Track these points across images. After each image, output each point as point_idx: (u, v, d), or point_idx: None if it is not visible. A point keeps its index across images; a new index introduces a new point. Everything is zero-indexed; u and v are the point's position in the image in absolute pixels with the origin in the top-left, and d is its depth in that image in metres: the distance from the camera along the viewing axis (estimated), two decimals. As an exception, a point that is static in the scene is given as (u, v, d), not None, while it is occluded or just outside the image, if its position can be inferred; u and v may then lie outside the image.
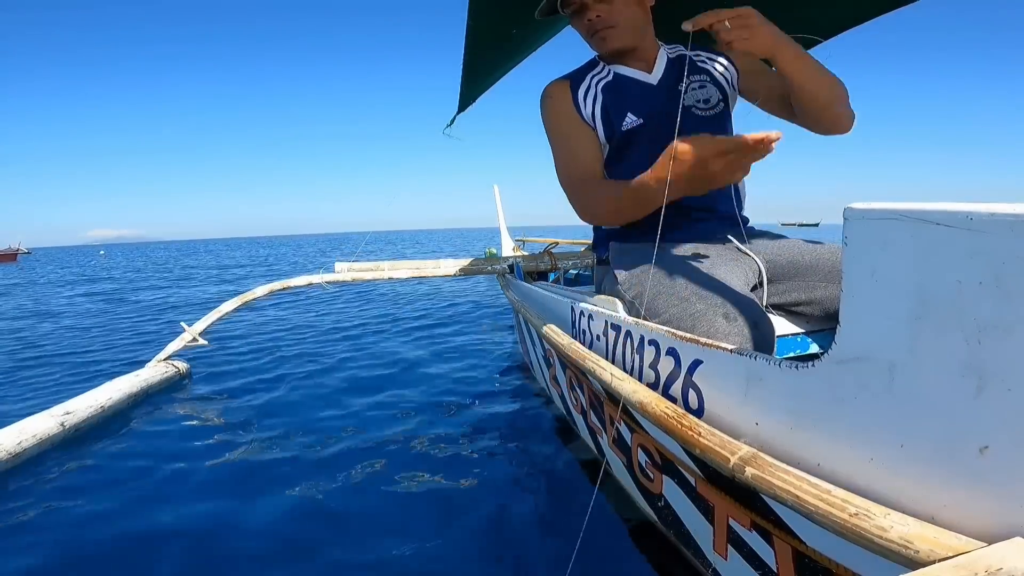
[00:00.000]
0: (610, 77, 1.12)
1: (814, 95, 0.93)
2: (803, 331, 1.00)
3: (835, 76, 0.94)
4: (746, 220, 1.19)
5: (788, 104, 1.03)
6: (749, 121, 1.17)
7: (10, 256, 22.23)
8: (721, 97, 1.11)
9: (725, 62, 1.13)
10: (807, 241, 1.08)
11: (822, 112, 0.97)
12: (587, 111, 1.11)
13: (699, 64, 1.12)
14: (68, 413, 1.70)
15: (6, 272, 13.26)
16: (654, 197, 0.81)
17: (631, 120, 1.08)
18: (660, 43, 1.16)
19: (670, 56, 1.14)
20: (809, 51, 1.61)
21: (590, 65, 1.17)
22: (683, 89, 1.08)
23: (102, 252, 36.05)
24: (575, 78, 1.15)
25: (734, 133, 1.16)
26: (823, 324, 1.02)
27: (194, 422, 1.81)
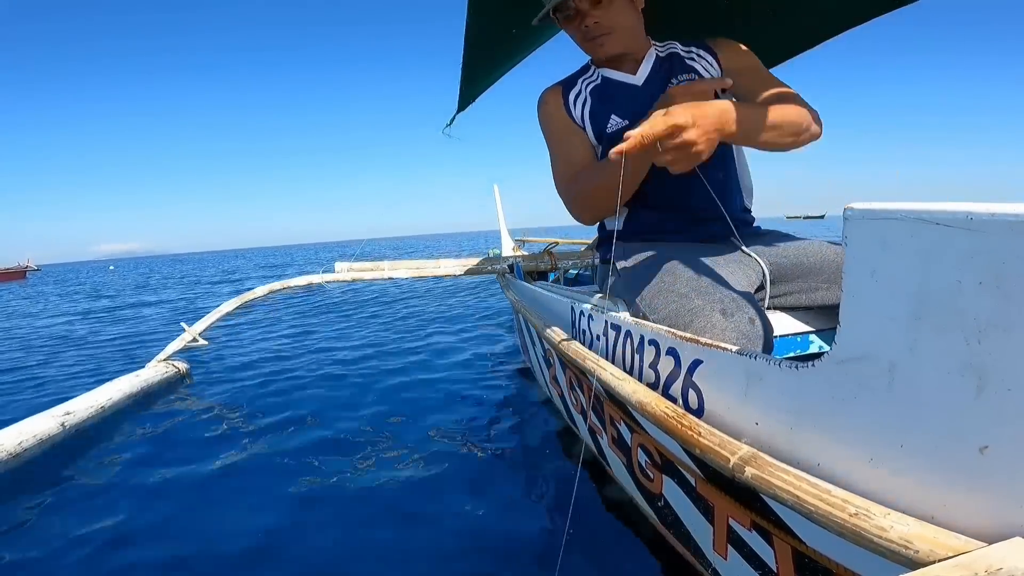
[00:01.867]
0: (598, 81, 1.13)
1: (776, 147, 0.94)
2: (804, 330, 1.00)
3: (796, 109, 0.92)
4: (751, 221, 1.19)
5: None
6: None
7: (19, 274, 21.94)
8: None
9: (711, 59, 1.12)
10: (814, 241, 1.08)
11: (785, 150, 0.98)
12: (577, 114, 1.11)
13: (687, 62, 1.11)
14: (68, 413, 1.70)
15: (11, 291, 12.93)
16: (615, 171, 0.84)
17: (615, 122, 1.08)
18: (652, 42, 1.15)
19: (660, 55, 1.13)
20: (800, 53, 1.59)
21: (583, 70, 1.17)
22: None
23: (112, 267, 36.04)
24: (567, 83, 1.16)
25: None
26: (822, 323, 1.02)
27: (193, 422, 1.81)
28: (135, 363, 2.60)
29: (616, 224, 1.17)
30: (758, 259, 1.02)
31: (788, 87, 1.02)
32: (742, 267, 1.00)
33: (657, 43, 1.15)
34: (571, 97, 1.13)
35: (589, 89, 1.12)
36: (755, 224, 1.20)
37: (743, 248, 1.05)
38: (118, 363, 2.84)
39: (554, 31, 1.64)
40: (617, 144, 1.06)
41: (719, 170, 1.12)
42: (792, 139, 0.93)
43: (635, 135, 0.73)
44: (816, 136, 0.98)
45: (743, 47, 1.13)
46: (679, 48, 1.13)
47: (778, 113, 0.89)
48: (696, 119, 0.74)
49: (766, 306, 1.01)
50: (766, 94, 1.00)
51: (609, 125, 1.08)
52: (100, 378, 2.36)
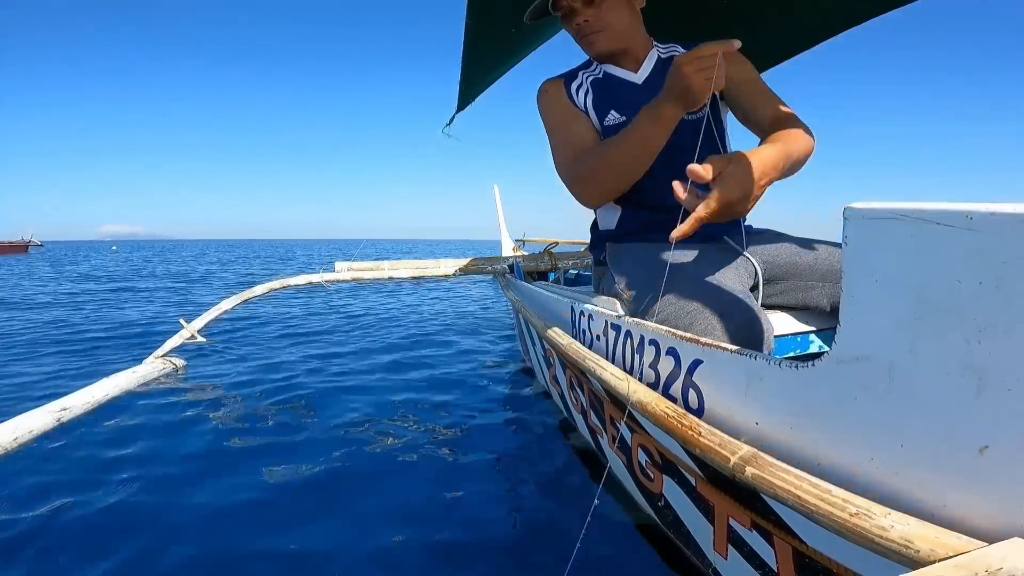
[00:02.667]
0: (599, 75, 1.15)
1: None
2: (804, 330, 1.00)
3: (804, 137, 0.92)
4: (742, 220, 1.19)
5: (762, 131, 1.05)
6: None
7: (21, 247, 22.94)
8: (708, 100, 1.10)
9: None
10: (805, 241, 1.08)
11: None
12: (580, 101, 1.14)
13: None
14: (64, 409, 1.69)
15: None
16: (626, 145, 0.91)
17: (614, 117, 1.10)
18: (654, 43, 1.16)
19: (662, 56, 1.15)
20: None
21: (584, 64, 1.19)
22: None
23: (114, 248, 36.16)
24: (568, 75, 1.18)
25: (728, 136, 1.16)
26: (822, 323, 1.02)
27: (190, 420, 1.80)
28: (133, 356, 2.59)
29: (610, 224, 1.18)
30: (751, 258, 1.02)
31: (785, 104, 1.02)
32: (736, 266, 1.00)
33: (659, 44, 1.16)
34: (573, 87, 1.15)
35: (590, 81, 1.15)
36: (746, 223, 1.20)
37: (736, 247, 1.05)
38: (114, 355, 2.84)
39: (553, 31, 1.64)
40: (614, 135, 1.07)
41: None
42: (800, 167, 0.93)
43: (691, 221, 0.70)
44: (811, 152, 0.97)
45: (742, 57, 1.13)
46: (682, 51, 1.14)
47: (793, 145, 0.87)
48: (744, 190, 0.72)
49: (760, 303, 1.01)
50: (769, 111, 1.01)
51: (607, 119, 1.10)
52: (97, 373, 2.35)
